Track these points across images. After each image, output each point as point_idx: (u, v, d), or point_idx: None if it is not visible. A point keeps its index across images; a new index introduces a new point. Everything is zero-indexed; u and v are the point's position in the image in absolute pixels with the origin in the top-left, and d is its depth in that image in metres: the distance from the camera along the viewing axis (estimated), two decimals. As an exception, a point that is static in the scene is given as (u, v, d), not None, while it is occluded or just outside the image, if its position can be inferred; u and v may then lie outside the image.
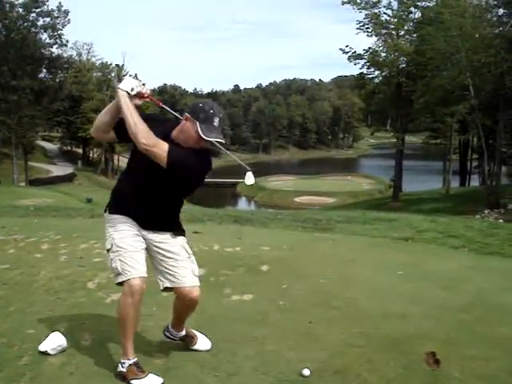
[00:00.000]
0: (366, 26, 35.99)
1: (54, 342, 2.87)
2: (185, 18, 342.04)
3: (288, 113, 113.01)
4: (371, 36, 36.52)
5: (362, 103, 57.44)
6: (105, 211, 2.77)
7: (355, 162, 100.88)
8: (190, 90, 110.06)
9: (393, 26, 36.33)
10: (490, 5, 29.99)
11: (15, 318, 3.44)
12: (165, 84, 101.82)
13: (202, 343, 3.00)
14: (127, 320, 2.60)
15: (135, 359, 2.64)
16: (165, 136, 2.57)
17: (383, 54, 37.13)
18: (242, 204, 53.40)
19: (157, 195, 2.64)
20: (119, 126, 2.59)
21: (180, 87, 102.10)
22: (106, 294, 3.96)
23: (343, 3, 35.96)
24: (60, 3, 45.83)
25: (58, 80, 51.53)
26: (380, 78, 38.84)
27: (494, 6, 29.78)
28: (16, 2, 44.11)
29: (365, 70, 38.26)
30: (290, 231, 7.25)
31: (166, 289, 2.77)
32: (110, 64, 65.86)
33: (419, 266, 5.14)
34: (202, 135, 2.49)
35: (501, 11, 29.59)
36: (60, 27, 46.31)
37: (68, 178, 52.13)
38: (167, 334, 3.03)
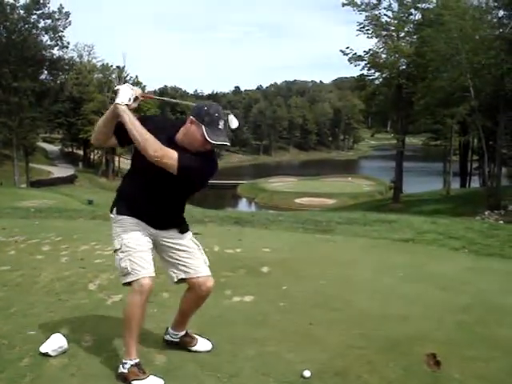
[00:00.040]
0: (367, 28, 36.07)
1: (55, 343, 2.87)
2: (185, 19, 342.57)
3: (288, 114, 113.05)
4: (371, 38, 36.62)
5: (363, 105, 57.56)
6: (111, 212, 2.77)
7: (355, 163, 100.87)
8: (191, 91, 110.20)
9: (393, 28, 36.37)
10: (490, 6, 30.04)
11: (16, 319, 3.44)
12: (165, 86, 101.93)
13: (203, 344, 3.01)
14: (134, 319, 2.62)
15: (137, 360, 2.65)
16: (170, 140, 2.58)
17: (383, 56, 37.20)
18: (243, 205, 53.42)
19: (163, 195, 2.66)
20: (119, 130, 2.59)
21: (180, 89, 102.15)
22: (106, 296, 3.97)
23: (343, 5, 36.07)
24: (61, 5, 46.02)
25: (58, 82, 51.68)
26: (380, 80, 38.87)
27: (494, 8, 29.83)
28: (17, 4, 44.26)
29: (365, 72, 38.39)
30: (291, 232, 7.25)
31: (180, 281, 2.81)
32: (111, 66, 66.05)
33: (419, 267, 5.14)
34: (209, 139, 2.50)
35: (501, 13, 29.68)
36: (61, 29, 46.48)
37: (69, 180, 52.22)
38: (167, 337, 3.04)
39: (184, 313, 2.97)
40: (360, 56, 36.80)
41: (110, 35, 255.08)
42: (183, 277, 2.79)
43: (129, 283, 2.65)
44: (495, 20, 29.67)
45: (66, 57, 50.88)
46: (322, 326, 3.42)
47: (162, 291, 3.79)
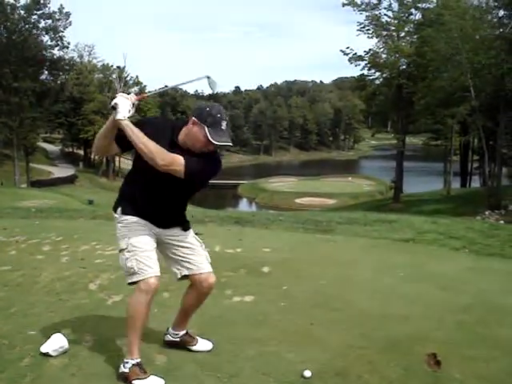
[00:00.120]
0: (367, 28, 36.07)
1: (56, 343, 2.87)
2: (185, 19, 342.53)
3: (289, 114, 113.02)
4: (372, 37, 36.62)
5: (363, 105, 57.55)
6: (114, 211, 2.76)
7: (356, 163, 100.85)
8: (191, 91, 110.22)
9: (393, 28, 36.37)
10: (491, 6, 30.03)
11: (17, 319, 3.45)
12: (166, 85, 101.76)
13: (203, 344, 3.01)
14: (138, 318, 2.64)
15: (139, 359, 2.65)
16: (172, 143, 2.59)
17: (384, 56, 37.20)
18: (243, 205, 53.43)
19: (166, 195, 2.67)
20: (119, 137, 2.59)
21: (181, 89, 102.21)
22: (107, 296, 3.97)
23: (344, 5, 36.07)
24: (61, 5, 46.01)
25: (59, 82, 51.67)
26: (381, 80, 38.86)
27: (495, 8, 29.82)
28: (18, 4, 44.26)
29: (365, 72, 38.39)
30: (291, 232, 7.25)
31: (183, 277, 2.84)
32: (111, 66, 66.07)
33: (420, 267, 5.14)
34: (212, 140, 2.51)
35: (501, 13, 29.66)
36: (61, 29, 46.47)
37: (69, 180, 52.25)
38: (168, 337, 3.04)
39: (186, 311, 2.98)
40: (360, 56, 36.80)
41: (111, 35, 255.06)
42: (186, 273, 2.82)
43: (134, 282, 2.66)
44: (495, 20, 29.65)
45: (67, 57, 50.91)
46: (322, 325, 3.42)
47: (163, 291, 3.79)
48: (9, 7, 44.01)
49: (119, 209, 2.73)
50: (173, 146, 2.57)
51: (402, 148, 38.70)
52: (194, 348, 2.99)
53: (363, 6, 35.77)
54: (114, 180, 60.61)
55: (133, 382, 2.59)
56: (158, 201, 2.69)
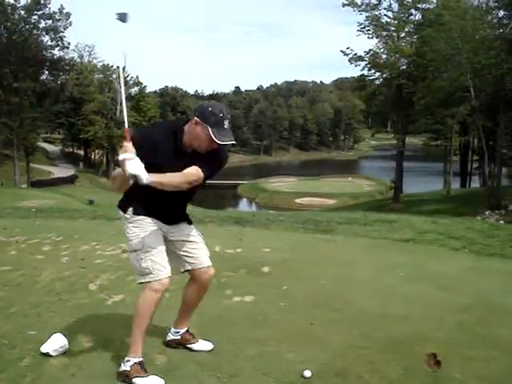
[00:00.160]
0: (367, 28, 36.09)
1: (56, 343, 2.87)
2: (185, 20, 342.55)
3: (289, 114, 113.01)
4: (372, 38, 36.65)
5: (363, 105, 57.58)
6: (124, 212, 2.74)
7: (356, 163, 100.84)
8: (191, 91, 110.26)
9: (393, 28, 36.39)
10: (491, 7, 30.05)
11: (17, 319, 3.45)
12: (166, 86, 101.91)
13: (203, 344, 3.02)
14: (146, 317, 2.66)
15: (141, 358, 2.66)
16: (176, 150, 2.60)
17: (384, 56, 37.21)
18: (243, 205, 53.43)
19: (177, 194, 2.67)
20: None
21: (181, 89, 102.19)
22: (107, 296, 3.97)
23: (344, 5, 36.11)
24: (62, 6, 46.05)
25: (59, 82, 51.69)
26: (381, 80, 38.87)
27: (495, 8, 29.84)
28: (18, 5, 44.28)
29: (365, 72, 38.41)
30: (291, 232, 7.25)
31: (186, 270, 2.90)
32: (112, 66, 66.06)
33: (420, 267, 5.14)
34: (216, 140, 2.53)
35: (501, 13, 29.69)
36: (62, 29, 46.51)
37: (70, 180, 52.27)
38: (169, 336, 3.05)
39: (187, 307, 3.00)
40: (360, 56, 36.81)
41: (111, 35, 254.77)
42: (189, 268, 2.87)
43: (146, 282, 2.69)
44: (495, 20, 29.66)
45: (67, 57, 50.97)
46: (322, 325, 3.42)
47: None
48: (9, 7, 44.04)
49: (130, 209, 2.72)
50: (178, 154, 2.60)
51: (402, 148, 38.72)
52: (194, 348, 3.00)
53: (363, 7, 35.82)
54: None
55: (133, 379, 2.59)
56: (169, 200, 2.70)
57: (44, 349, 2.85)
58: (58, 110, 53.29)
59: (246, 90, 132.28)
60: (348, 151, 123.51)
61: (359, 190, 54.21)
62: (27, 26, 45.01)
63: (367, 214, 9.99)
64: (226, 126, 2.56)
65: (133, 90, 69.20)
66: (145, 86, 73.33)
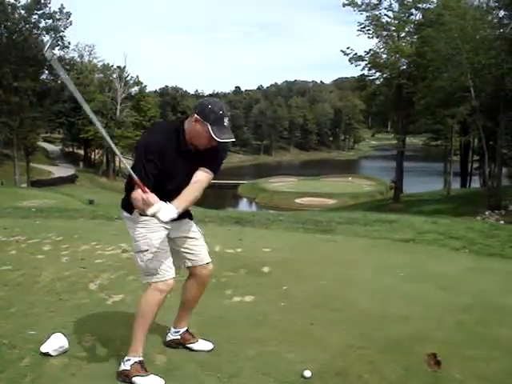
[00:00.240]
0: (367, 28, 36.09)
1: (56, 343, 2.87)
2: (185, 20, 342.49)
3: (289, 114, 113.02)
4: (372, 38, 36.64)
5: (363, 105, 57.55)
6: (129, 212, 2.70)
7: (356, 163, 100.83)
8: (192, 91, 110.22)
9: (394, 28, 36.38)
10: (491, 7, 30.03)
11: (17, 319, 3.45)
12: (166, 86, 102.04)
13: (203, 344, 3.02)
14: (150, 317, 2.67)
15: (141, 358, 2.66)
16: (180, 152, 2.60)
17: (384, 56, 37.21)
18: (243, 205, 53.43)
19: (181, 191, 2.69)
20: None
21: (181, 89, 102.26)
22: (107, 296, 3.97)
23: (344, 5, 36.08)
24: (62, 5, 46.04)
25: (59, 82, 51.61)
26: (381, 80, 38.87)
27: (495, 8, 29.82)
28: (18, 4, 44.27)
29: (366, 72, 38.41)
30: (291, 232, 7.25)
31: (187, 267, 2.91)
32: (112, 66, 66.07)
33: (420, 267, 5.14)
34: (216, 138, 2.53)
35: (501, 13, 29.65)
36: (62, 29, 46.50)
37: (70, 180, 52.26)
38: (169, 336, 3.05)
39: (186, 305, 3.00)
40: (360, 56, 36.81)
41: (111, 35, 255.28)
42: (190, 265, 2.88)
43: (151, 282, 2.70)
44: (496, 20, 29.63)
45: (67, 57, 51.04)
46: (322, 326, 3.42)
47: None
48: (9, 7, 44.02)
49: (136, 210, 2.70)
50: (181, 152, 2.60)
51: (402, 148, 38.71)
52: (194, 347, 3.00)
53: (363, 7, 35.80)
54: (115, 180, 60.63)
55: (133, 379, 2.59)
56: (175, 198, 2.65)
57: (44, 349, 2.85)
58: (58, 109, 53.28)
59: (246, 90, 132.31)
60: (348, 151, 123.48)
61: (359, 190, 54.21)
62: (27, 26, 45.00)
63: (367, 214, 9.99)
64: (225, 124, 2.56)
65: (133, 89, 69.20)
66: (145, 86, 73.38)
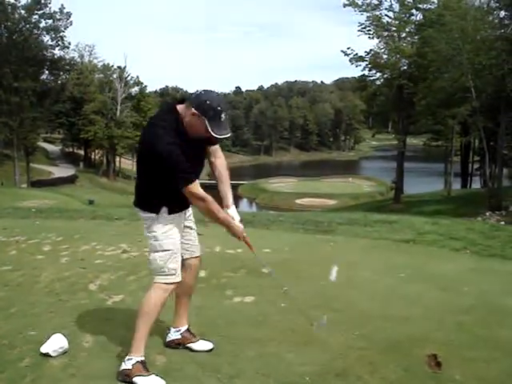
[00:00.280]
0: (368, 29, 36.10)
1: (56, 343, 2.87)
2: (185, 20, 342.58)
3: (289, 115, 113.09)
4: (373, 38, 36.64)
5: (364, 105, 57.57)
6: (155, 212, 2.67)
7: (356, 163, 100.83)
8: (192, 91, 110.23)
9: (394, 28, 36.39)
10: (492, 7, 30.02)
11: (17, 319, 3.45)
12: (166, 86, 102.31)
13: (203, 344, 3.01)
14: (154, 315, 2.69)
15: (144, 358, 2.66)
16: (186, 142, 2.58)
17: (385, 56, 37.23)
18: (243, 206, 53.40)
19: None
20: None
21: (181, 89, 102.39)
22: (107, 296, 3.96)
23: (345, 5, 36.10)
24: (62, 5, 46.09)
25: (59, 82, 51.73)
26: (381, 80, 38.89)
27: (496, 8, 29.82)
28: (18, 4, 44.33)
29: (366, 72, 38.44)
30: (291, 233, 7.24)
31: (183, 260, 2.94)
32: (112, 66, 66.10)
33: (420, 268, 5.13)
34: (214, 134, 2.54)
35: (502, 13, 29.64)
36: (62, 29, 46.57)
37: (70, 180, 52.29)
38: (169, 337, 3.04)
39: (183, 299, 3.00)
40: (361, 56, 36.82)
41: (111, 35, 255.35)
42: (187, 257, 2.89)
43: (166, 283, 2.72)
44: (496, 21, 29.62)
45: (67, 57, 51.08)
46: (322, 326, 3.41)
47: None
48: (9, 7, 44.07)
49: (164, 209, 2.68)
50: (188, 143, 2.58)
51: (403, 149, 38.71)
52: (194, 347, 2.99)
53: (364, 7, 35.81)
54: (115, 180, 60.66)
55: (134, 378, 2.58)
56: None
57: (44, 349, 2.84)
58: (58, 109, 53.40)
59: (246, 90, 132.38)
60: (348, 152, 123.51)
61: (360, 191, 54.22)
62: (27, 26, 45.08)
63: (368, 215, 9.98)
64: (222, 119, 2.56)
65: (133, 89, 69.22)
66: (145, 86, 73.38)
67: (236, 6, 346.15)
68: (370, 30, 36.04)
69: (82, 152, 71.46)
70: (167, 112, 2.65)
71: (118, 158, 65.89)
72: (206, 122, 2.52)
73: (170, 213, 2.70)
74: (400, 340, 3.19)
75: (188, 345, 3.00)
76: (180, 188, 2.56)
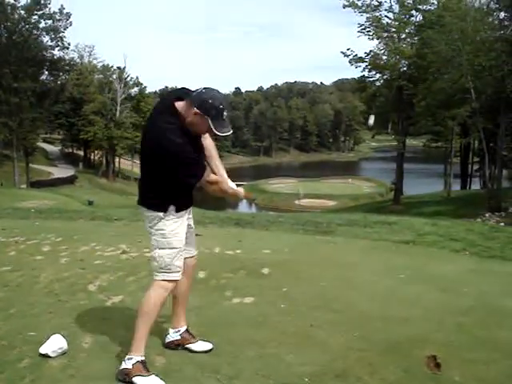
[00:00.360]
0: (368, 30, 36.11)
1: (55, 344, 2.86)
2: (185, 20, 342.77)
3: (289, 116, 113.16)
4: (372, 39, 36.66)
5: (363, 106, 57.51)
6: (162, 211, 2.66)
7: (356, 164, 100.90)
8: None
9: (394, 29, 36.42)
10: (491, 8, 30.04)
11: (16, 320, 3.44)
12: (166, 86, 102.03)
13: (203, 345, 3.00)
14: (154, 314, 2.69)
15: (144, 357, 2.65)
16: (190, 138, 2.59)
17: (384, 57, 37.25)
18: (243, 207, 53.37)
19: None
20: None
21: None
22: (106, 297, 3.96)
23: (344, 6, 36.11)
24: (62, 6, 46.12)
25: (59, 82, 51.76)
26: (381, 81, 38.92)
27: (495, 10, 29.83)
28: (18, 5, 44.34)
29: (366, 73, 38.46)
30: (291, 234, 7.24)
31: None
32: (112, 66, 66.13)
33: (420, 269, 5.13)
34: (217, 132, 2.55)
35: (502, 14, 29.64)
36: (62, 30, 46.60)
37: (69, 180, 52.31)
38: (168, 338, 3.03)
39: (180, 299, 2.99)
40: (361, 57, 36.84)
41: (111, 36, 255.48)
42: (186, 256, 2.87)
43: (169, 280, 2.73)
44: (496, 22, 29.62)
45: (67, 57, 51.11)
46: (322, 327, 3.41)
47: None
48: (9, 7, 44.08)
49: (172, 207, 2.68)
50: (190, 138, 2.58)
51: (403, 150, 38.72)
52: (193, 348, 2.98)
53: (364, 8, 35.82)
54: (114, 181, 60.66)
55: (134, 378, 2.57)
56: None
57: (43, 350, 2.84)
58: (57, 110, 53.45)
59: (246, 91, 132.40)
60: (348, 153, 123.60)
61: (359, 192, 54.26)
62: (27, 26, 45.09)
63: (367, 216, 9.99)
64: (224, 117, 2.57)
65: (133, 90, 69.25)
66: (145, 87, 73.51)
67: (236, 6, 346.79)
68: (369, 31, 36.09)
69: (81, 153, 71.49)
70: (168, 110, 2.61)
71: (117, 159, 65.90)
72: (210, 121, 2.53)
73: (177, 211, 2.71)
74: (400, 341, 3.19)
75: (187, 345, 2.99)
76: (193, 183, 2.59)
